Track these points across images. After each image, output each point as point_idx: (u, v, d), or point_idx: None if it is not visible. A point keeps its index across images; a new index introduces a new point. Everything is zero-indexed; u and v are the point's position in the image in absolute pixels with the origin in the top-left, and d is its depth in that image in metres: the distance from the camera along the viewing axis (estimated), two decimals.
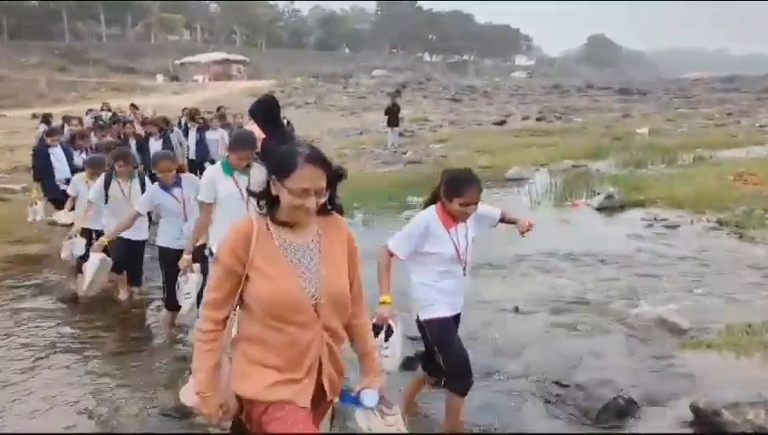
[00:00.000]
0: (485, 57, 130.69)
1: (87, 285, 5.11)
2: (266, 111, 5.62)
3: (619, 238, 7.50)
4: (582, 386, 3.65)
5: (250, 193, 2.14)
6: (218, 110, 14.07)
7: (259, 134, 5.68)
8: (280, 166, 1.98)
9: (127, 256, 5.54)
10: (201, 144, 10.60)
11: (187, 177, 5.02)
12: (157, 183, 4.89)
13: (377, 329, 3.03)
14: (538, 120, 28.97)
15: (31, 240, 8.13)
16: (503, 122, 28.02)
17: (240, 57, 70.95)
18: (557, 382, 3.83)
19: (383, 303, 3.07)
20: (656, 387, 3.72)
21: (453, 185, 3.07)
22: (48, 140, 7.87)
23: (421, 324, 3.24)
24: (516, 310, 5.27)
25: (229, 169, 4.16)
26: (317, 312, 2.02)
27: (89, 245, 5.84)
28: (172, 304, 4.95)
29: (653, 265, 6.37)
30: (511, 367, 4.17)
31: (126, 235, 5.26)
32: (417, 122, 27.61)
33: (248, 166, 4.18)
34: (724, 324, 4.56)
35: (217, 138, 10.60)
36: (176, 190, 4.81)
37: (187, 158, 10.46)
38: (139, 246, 5.67)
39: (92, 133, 9.85)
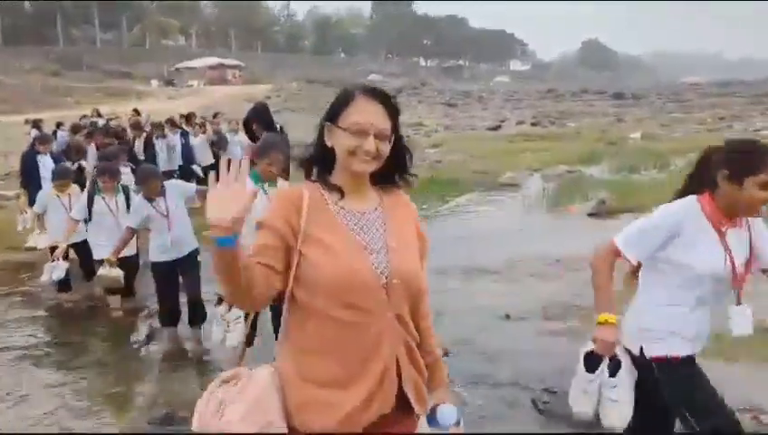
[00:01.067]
0: (481, 62, 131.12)
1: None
2: (260, 117, 5.68)
3: None
4: None
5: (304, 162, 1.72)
6: (215, 116, 14.12)
7: (248, 142, 5.70)
8: (333, 105, 1.66)
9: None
10: (186, 148, 10.67)
11: (170, 184, 4.96)
12: (141, 194, 4.83)
13: (594, 360, 2.27)
14: (533, 124, 29.08)
15: (23, 247, 8.11)
16: (497, 127, 28.12)
17: (235, 62, 70.98)
18: (546, 389, 3.85)
19: (605, 323, 2.21)
20: None
21: (749, 157, 2.09)
22: (39, 148, 7.81)
23: (647, 362, 2.30)
24: (507, 317, 5.29)
25: (257, 178, 3.75)
26: (387, 295, 1.60)
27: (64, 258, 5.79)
28: (167, 321, 4.94)
29: None
30: (501, 374, 4.19)
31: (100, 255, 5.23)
32: (412, 127, 27.66)
33: (277, 176, 3.83)
34: (712, 331, 4.57)
35: (199, 143, 10.80)
36: (159, 201, 4.70)
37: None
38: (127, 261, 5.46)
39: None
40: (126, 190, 5.64)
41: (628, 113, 33.11)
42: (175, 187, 4.93)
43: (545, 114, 33.82)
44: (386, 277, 1.61)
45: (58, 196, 6.02)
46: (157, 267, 4.81)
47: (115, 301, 5.68)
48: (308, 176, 1.71)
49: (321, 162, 1.70)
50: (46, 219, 6.18)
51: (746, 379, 3.85)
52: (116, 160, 6.73)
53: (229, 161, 1.49)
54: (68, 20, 77.86)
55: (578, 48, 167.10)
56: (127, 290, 5.65)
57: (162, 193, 4.71)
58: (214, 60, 68.37)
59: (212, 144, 11.03)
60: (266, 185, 3.77)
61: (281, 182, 3.88)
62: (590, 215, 9.28)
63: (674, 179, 11.66)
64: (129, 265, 5.46)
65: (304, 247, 1.59)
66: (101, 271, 5.00)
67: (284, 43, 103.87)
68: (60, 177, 6.07)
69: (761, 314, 4.67)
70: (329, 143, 1.65)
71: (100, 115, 17.27)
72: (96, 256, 5.47)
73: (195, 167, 10.52)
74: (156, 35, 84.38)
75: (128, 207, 5.43)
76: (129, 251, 5.39)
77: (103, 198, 5.45)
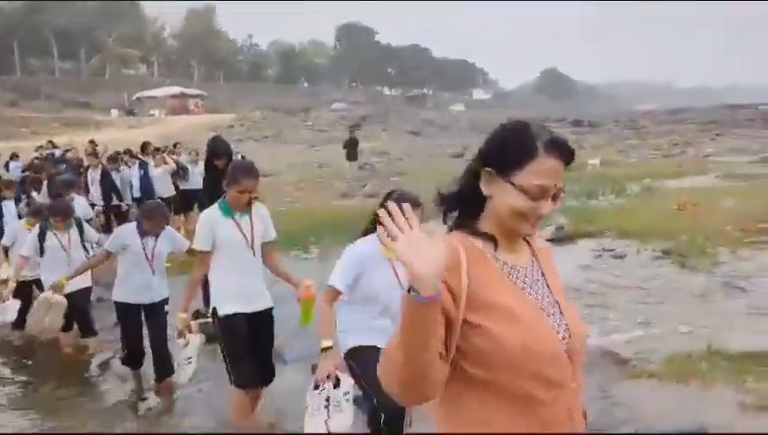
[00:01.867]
0: (444, 91, 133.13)
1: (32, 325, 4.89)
2: (222, 150, 5.65)
3: (569, 269, 7.63)
4: None
5: (442, 200, 1.47)
6: (175, 146, 14.03)
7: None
8: (508, 153, 1.38)
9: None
10: (145, 180, 10.52)
11: (168, 230, 4.80)
12: (136, 224, 4.65)
13: None
14: None
15: None
16: (461, 155, 28.48)
17: (197, 91, 70.67)
18: None
19: None
20: (598, 418, 3.78)
21: None
22: (6, 193, 7.43)
23: None
24: None
25: (228, 209, 3.57)
26: (570, 361, 1.39)
27: (28, 297, 5.57)
28: (130, 364, 4.81)
29: (601, 295, 6.53)
30: None
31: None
32: (377, 155, 27.86)
33: (250, 203, 3.60)
34: (665, 354, 4.68)
35: (159, 174, 10.67)
36: (149, 240, 4.53)
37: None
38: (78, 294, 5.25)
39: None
40: (78, 222, 5.47)
41: (587, 140, 33.95)
42: (171, 235, 4.78)
43: None
44: (566, 342, 1.39)
45: (30, 230, 5.78)
46: (122, 308, 4.65)
47: (65, 337, 5.48)
48: (445, 220, 1.48)
49: (467, 207, 1.45)
50: (13, 253, 5.97)
51: (696, 401, 3.93)
52: (69, 190, 6.57)
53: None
54: (25, 50, 76.60)
55: (536, 77, 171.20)
56: (84, 326, 5.43)
57: (157, 234, 4.56)
58: (175, 89, 67.93)
59: (173, 175, 10.92)
60: (238, 215, 3.57)
61: (257, 207, 3.66)
62: (550, 240, 9.43)
63: (631, 204, 12.00)
64: (80, 299, 5.27)
65: (473, 315, 1.31)
66: (44, 293, 4.85)
67: (247, 72, 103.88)
68: (34, 214, 5.92)
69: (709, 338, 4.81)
70: (486, 192, 1.40)
71: (55, 146, 16.96)
72: None
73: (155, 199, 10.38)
74: (116, 65, 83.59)
75: (81, 240, 5.29)
76: (82, 283, 5.23)
77: (55, 234, 5.27)
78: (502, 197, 1.38)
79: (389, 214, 1.22)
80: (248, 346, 3.59)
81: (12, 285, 5.29)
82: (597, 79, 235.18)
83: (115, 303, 4.71)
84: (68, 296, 4.99)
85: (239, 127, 43.61)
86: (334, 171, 21.43)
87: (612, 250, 8.42)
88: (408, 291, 1.19)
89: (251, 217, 3.59)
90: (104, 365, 5.28)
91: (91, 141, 17.19)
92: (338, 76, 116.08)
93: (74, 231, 5.37)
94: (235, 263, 3.51)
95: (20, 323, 5.84)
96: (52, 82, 71.22)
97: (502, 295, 1.35)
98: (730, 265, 7.20)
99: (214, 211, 3.59)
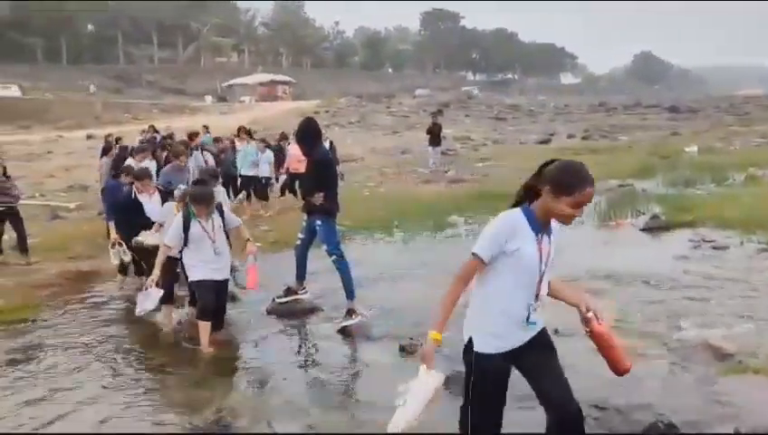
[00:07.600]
0: (530, 76, 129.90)
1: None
2: (304, 134, 5.81)
3: (664, 259, 7.33)
4: (621, 410, 3.60)
5: None
6: (241, 131, 13.95)
7: (299, 155, 5.81)
8: None
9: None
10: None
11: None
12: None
13: None
14: (584, 138, 28.61)
15: (83, 257, 8.45)
16: (547, 141, 27.77)
17: (286, 78, 72.38)
18: (595, 406, 3.77)
19: None
20: (698, 412, 3.63)
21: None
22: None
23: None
24: (556, 332, 5.20)
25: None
26: None
27: (172, 278, 5.68)
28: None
29: (699, 287, 6.21)
30: None
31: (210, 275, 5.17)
32: (460, 141, 27.61)
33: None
34: None
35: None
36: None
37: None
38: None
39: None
40: (220, 209, 5.35)
41: (684, 126, 32.22)
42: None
43: (597, 127, 33.21)
44: None
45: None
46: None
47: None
48: None
49: None
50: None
51: None
52: (214, 180, 6.51)
53: None
54: (128, 40, 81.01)
55: (629, 61, 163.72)
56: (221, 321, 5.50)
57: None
58: (265, 76, 69.86)
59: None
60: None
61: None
62: (643, 230, 9.06)
63: (733, 193, 11.34)
64: (224, 291, 5.50)
65: None
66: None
67: (334, 59, 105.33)
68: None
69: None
70: None
71: (156, 131, 17.87)
72: (191, 278, 5.26)
73: None
74: (210, 53, 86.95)
75: (223, 226, 5.27)
76: (227, 274, 5.50)
77: (199, 221, 5.14)
78: None
79: None
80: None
81: (156, 273, 5.14)
82: (692, 62, 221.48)
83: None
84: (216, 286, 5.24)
85: (324, 113, 44.40)
86: (417, 157, 21.41)
87: (712, 241, 7.98)
88: None
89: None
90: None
91: (152, 126, 18.07)
92: (422, 62, 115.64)
93: (217, 217, 5.24)
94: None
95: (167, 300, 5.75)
96: (152, 71, 75.00)
97: None
98: None
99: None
